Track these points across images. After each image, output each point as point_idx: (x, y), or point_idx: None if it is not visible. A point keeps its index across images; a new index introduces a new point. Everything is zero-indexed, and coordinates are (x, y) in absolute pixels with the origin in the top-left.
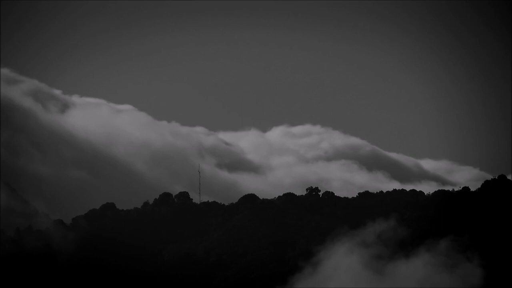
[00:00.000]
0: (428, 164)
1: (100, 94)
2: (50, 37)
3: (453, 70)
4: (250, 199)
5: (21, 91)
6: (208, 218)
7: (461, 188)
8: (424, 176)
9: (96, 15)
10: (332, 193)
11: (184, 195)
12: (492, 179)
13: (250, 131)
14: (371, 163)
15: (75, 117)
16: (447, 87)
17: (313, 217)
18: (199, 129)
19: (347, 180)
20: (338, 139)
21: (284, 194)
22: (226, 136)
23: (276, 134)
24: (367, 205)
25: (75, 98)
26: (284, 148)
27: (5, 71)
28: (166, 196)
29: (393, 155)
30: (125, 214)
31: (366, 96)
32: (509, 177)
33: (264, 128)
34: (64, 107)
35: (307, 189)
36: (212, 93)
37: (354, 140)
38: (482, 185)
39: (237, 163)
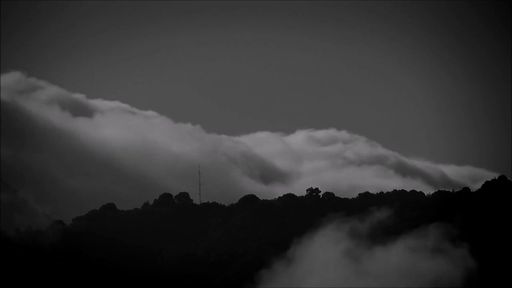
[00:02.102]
0: (452, 171)
1: (109, 95)
2: (50, 37)
3: (453, 70)
4: (250, 199)
5: (45, 97)
6: (208, 218)
7: (461, 189)
8: (457, 184)
9: (96, 15)
10: (333, 194)
11: (184, 196)
12: (492, 179)
13: (270, 135)
14: (402, 171)
15: (102, 123)
16: (447, 87)
17: (313, 217)
18: (224, 136)
19: (383, 188)
20: (363, 148)
21: (285, 195)
22: (247, 141)
23: (299, 138)
24: (368, 205)
25: (98, 102)
26: (308, 154)
27: (32, 80)
28: (166, 197)
29: (419, 163)
30: (125, 215)
31: (371, 97)
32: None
33: (286, 132)
34: (90, 112)
35: (307, 190)
36: (220, 95)
37: (378, 148)
38: (483, 185)
39: (270, 173)
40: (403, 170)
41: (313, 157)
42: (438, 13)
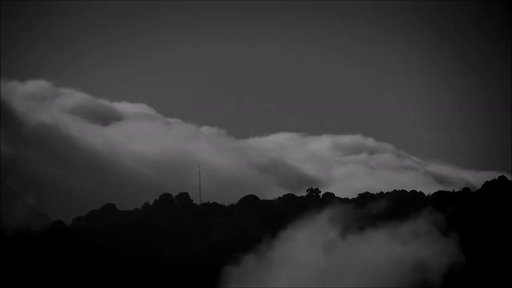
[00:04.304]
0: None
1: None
2: (49, 37)
3: (454, 71)
4: (250, 199)
5: (71, 104)
6: (208, 219)
7: (461, 189)
8: None
9: (96, 15)
10: (333, 194)
11: (184, 196)
12: (492, 180)
13: (294, 137)
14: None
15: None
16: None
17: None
18: (251, 140)
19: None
20: (390, 158)
21: (285, 195)
22: (272, 144)
23: (326, 144)
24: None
25: (123, 107)
26: (336, 159)
27: (44, 84)
28: (166, 197)
29: (449, 170)
30: (125, 215)
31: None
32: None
33: (310, 133)
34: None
35: (307, 190)
36: (237, 96)
37: (406, 155)
38: (483, 185)
39: (302, 182)
40: (438, 177)
41: (342, 163)
42: (444, 13)
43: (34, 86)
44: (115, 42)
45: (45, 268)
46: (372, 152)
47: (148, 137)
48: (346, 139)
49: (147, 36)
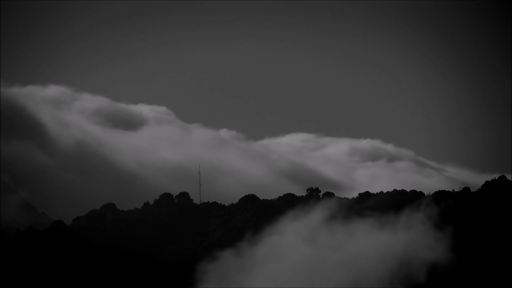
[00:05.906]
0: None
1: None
2: (44, 39)
3: (457, 71)
4: (251, 199)
5: (92, 111)
6: (208, 219)
7: (461, 189)
8: None
9: (98, 15)
10: (333, 194)
11: (184, 196)
12: (492, 179)
13: (308, 137)
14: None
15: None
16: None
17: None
18: (267, 141)
19: None
20: (410, 165)
21: (284, 195)
22: (289, 146)
23: (344, 148)
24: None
25: (142, 110)
26: (356, 162)
27: (62, 89)
28: (166, 197)
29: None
30: (125, 215)
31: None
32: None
33: (327, 134)
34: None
35: (307, 190)
36: (251, 97)
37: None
38: (483, 185)
39: (326, 187)
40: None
41: (363, 166)
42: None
43: (53, 90)
44: (116, 43)
45: (45, 268)
46: (391, 159)
47: (170, 143)
48: (365, 143)
49: (150, 36)
